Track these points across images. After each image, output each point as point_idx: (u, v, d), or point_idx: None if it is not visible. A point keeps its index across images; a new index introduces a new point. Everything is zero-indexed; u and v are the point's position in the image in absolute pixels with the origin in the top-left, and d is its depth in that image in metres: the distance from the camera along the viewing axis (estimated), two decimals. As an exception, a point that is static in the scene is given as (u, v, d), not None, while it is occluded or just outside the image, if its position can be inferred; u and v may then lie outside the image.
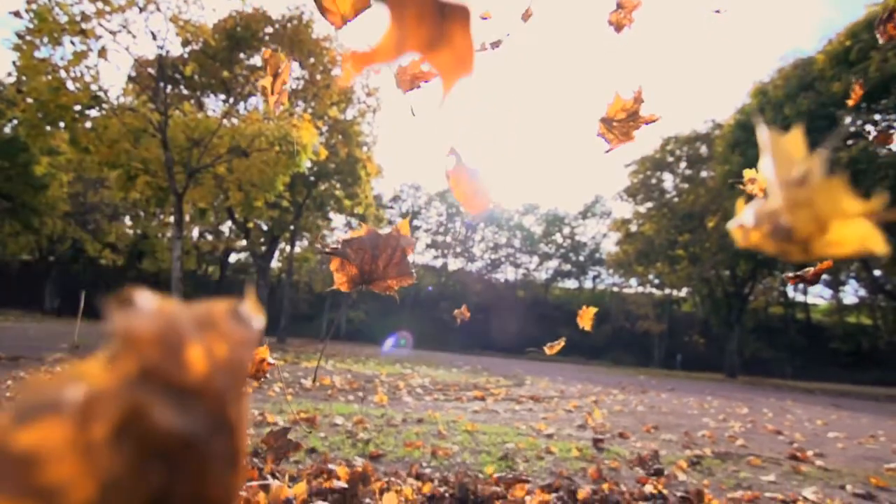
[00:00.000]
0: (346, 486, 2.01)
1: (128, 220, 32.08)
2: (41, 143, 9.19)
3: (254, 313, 0.25)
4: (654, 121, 1.34)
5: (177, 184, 10.08)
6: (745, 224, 0.38)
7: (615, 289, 41.70)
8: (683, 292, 34.77)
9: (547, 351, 1.96)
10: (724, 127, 23.13)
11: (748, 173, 2.11)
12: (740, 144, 21.10)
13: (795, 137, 0.33)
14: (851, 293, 36.46)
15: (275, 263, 31.39)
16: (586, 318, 1.86)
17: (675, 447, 4.35)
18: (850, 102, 2.36)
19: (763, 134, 0.34)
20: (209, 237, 35.07)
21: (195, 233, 33.58)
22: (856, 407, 11.31)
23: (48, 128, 9.02)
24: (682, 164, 28.88)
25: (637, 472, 3.21)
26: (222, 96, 13.14)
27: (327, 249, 1.01)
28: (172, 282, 9.90)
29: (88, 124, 9.27)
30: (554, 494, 2.36)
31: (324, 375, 7.94)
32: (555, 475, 2.98)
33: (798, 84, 18.60)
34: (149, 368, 0.21)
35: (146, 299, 0.23)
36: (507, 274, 45.69)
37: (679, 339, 36.73)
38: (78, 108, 9.18)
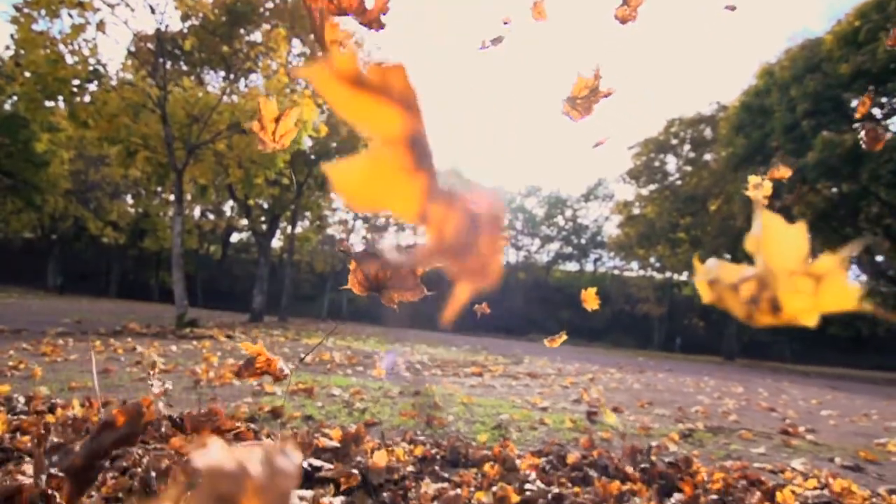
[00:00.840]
0: (338, 445, 2.04)
1: (129, 199, 32.07)
2: (40, 117, 9.15)
3: (295, 451, 0.32)
4: (610, 94, 1.38)
5: (177, 160, 10.03)
6: (716, 282, 0.39)
7: (616, 272, 41.75)
8: (684, 276, 34.79)
9: (547, 344, 1.98)
10: (729, 109, 22.89)
11: (753, 179, 2.12)
12: (745, 127, 20.91)
13: (800, 231, 0.34)
14: (852, 279, 36.38)
15: (277, 243, 31.45)
16: (591, 300, 1.88)
17: (668, 421, 4.41)
18: (858, 115, 2.33)
19: (764, 222, 0.35)
20: (211, 216, 35.11)
21: (196, 212, 33.60)
22: (852, 389, 11.39)
23: (47, 102, 8.98)
24: (686, 147, 28.68)
25: (628, 441, 3.26)
26: (222, 72, 13.03)
27: (342, 250, 1.09)
28: (173, 258, 9.92)
29: (87, 98, 9.22)
30: (544, 458, 2.40)
31: (323, 351, 8.01)
32: (547, 444, 3.03)
33: (805, 65, 18.34)
34: (223, 495, 0.28)
35: (217, 444, 0.30)
36: (509, 256, 45.71)
37: (679, 322, 36.87)
38: (77, 82, 9.11)
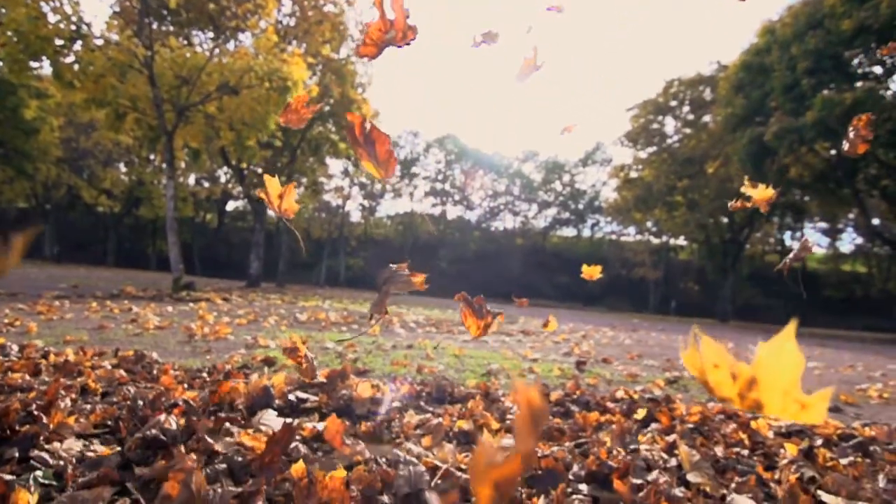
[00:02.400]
0: (324, 381, 2.09)
1: (122, 167, 31.75)
2: (25, 79, 8.96)
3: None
4: (540, 67, 1.51)
5: (166, 122, 9.88)
6: (707, 363, 0.46)
7: (613, 237, 41.83)
8: (681, 240, 34.90)
9: (542, 328, 2.02)
10: (730, 68, 22.51)
11: (748, 188, 2.08)
12: (744, 87, 20.60)
13: (800, 361, 0.42)
14: (848, 242, 36.62)
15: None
16: (593, 273, 1.91)
17: (655, 371, 4.50)
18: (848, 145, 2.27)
19: (776, 344, 0.42)
20: (206, 184, 34.84)
21: (191, 180, 33.35)
22: (841, 346, 11.60)
23: (31, 63, 8.77)
24: (685, 109, 28.32)
25: (612, 387, 3.33)
26: (210, 34, 12.71)
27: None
28: (167, 222, 9.89)
29: (72, 59, 8.99)
30: (527, 396, 2.46)
31: (319, 311, 8.09)
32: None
33: (807, 22, 17.95)
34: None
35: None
36: (506, 222, 45.68)
37: (674, 285, 37.17)
38: (60, 42, 8.88)
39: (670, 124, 29.10)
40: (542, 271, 38.23)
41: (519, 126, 74.00)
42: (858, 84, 17.34)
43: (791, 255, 2.18)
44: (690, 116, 28.17)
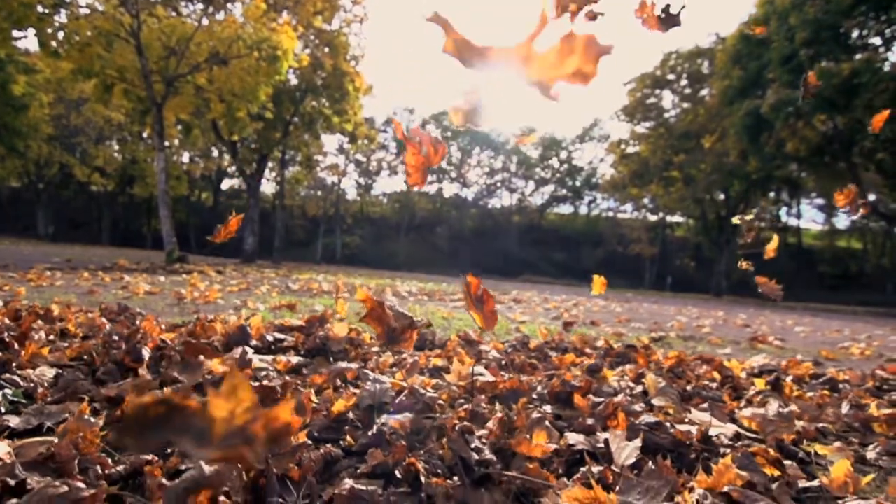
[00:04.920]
0: (303, 324, 2.11)
1: (115, 145, 31.42)
2: (8, 49, 8.79)
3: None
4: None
5: (155, 94, 9.75)
6: None
7: (610, 213, 41.79)
8: (677, 217, 34.89)
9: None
10: (728, 39, 22.23)
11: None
12: (742, 58, 20.38)
13: None
14: (845, 218, 36.67)
15: (269, 188, 31.21)
16: (601, 285, 1.92)
17: (642, 332, 4.54)
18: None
19: None
20: (200, 163, 34.58)
21: (185, 157, 33.08)
22: (832, 317, 11.71)
23: (14, 31, 8.59)
24: (683, 82, 28.05)
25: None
26: (199, 4, 12.47)
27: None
28: (159, 195, 9.84)
29: (57, 26, 8.79)
30: (507, 344, 2.49)
31: (312, 282, 8.11)
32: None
33: (806, -9, 17.67)
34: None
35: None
36: (503, 199, 45.56)
37: (670, 262, 37.29)
38: (46, 11, 8.68)
39: (668, 98, 28.88)
40: (538, 248, 38.26)
41: (516, 101, 73.15)
42: (857, 56, 17.15)
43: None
44: (688, 90, 27.94)
